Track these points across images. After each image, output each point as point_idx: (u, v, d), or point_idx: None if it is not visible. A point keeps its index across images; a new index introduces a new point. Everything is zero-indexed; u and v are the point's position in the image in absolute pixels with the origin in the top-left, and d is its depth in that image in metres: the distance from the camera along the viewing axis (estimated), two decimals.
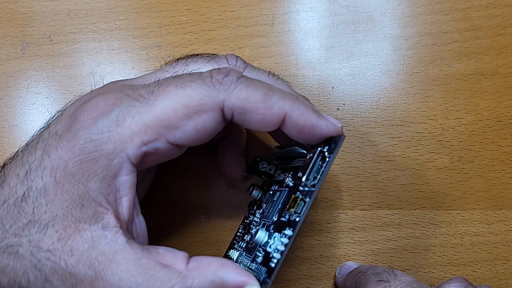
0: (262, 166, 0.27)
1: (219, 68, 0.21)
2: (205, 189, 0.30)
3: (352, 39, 0.30)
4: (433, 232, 0.29)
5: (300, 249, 0.29)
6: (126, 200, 0.21)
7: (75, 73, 0.31)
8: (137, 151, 0.20)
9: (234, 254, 0.25)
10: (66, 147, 0.20)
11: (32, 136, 0.22)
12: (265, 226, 0.23)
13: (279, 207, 0.23)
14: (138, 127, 0.20)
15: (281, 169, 0.26)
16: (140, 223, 0.22)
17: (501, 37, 0.30)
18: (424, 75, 0.30)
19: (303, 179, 0.21)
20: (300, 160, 0.24)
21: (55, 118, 0.22)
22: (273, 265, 0.20)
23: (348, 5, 0.31)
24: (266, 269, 0.21)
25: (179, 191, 0.30)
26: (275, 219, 0.23)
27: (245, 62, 0.24)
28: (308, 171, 0.21)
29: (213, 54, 0.25)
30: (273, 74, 0.24)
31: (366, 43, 0.30)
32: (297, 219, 0.20)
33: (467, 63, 0.30)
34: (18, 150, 0.22)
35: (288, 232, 0.20)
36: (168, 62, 0.25)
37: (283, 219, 0.22)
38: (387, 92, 0.30)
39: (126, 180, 0.21)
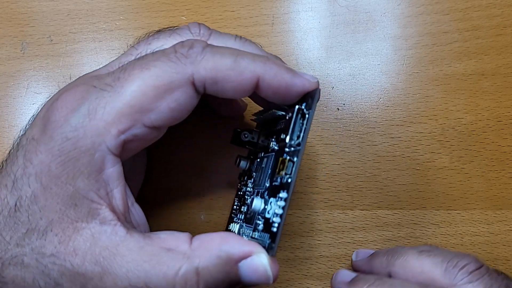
0: (244, 136, 0.26)
1: (182, 42, 0.21)
2: (205, 189, 0.30)
3: (352, 39, 0.30)
4: (433, 232, 0.29)
5: (300, 249, 0.29)
6: (117, 192, 0.21)
7: (75, 73, 0.31)
8: (116, 141, 0.20)
9: (235, 227, 0.25)
10: (45, 150, 0.19)
11: (13, 144, 0.22)
12: (259, 194, 0.23)
13: (269, 172, 0.23)
14: (111, 117, 0.19)
15: (264, 135, 0.26)
16: (137, 212, 0.22)
17: (501, 37, 0.30)
18: (424, 75, 0.30)
19: (287, 140, 0.21)
20: (281, 122, 0.23)
21: (30, 122, 0.22)
22: (275, 229, 0.20)
23: (348, 5, 0.31)
24: (269, 234, 0.20)
25: (178, 191, 0.30)
26: (267, 185, 0.22)
27: (210, 29, 0.23)
28: (290, 131, 0.20)
29: (175, 27, 0.24)
30: (240, 37, 0.23)
31: (366, 43, 0.30)
32: (289, 180, 0.20)
33: (467, 63, 0.30)
34: (2, 160, 0.21)
35: (283, 194, 0.20)
36: (130, 46, 0.24)
37: (275, 183, 0.21)
38: (387, 92, 0.30)
39: (112, 172, 0.20)
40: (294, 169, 0.20)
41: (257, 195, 0.23)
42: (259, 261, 0.20)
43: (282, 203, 0.20)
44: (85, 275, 0.19)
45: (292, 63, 0.30)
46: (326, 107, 0.30)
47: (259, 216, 0.22)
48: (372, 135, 0.30)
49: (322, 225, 0.29)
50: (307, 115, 0.20)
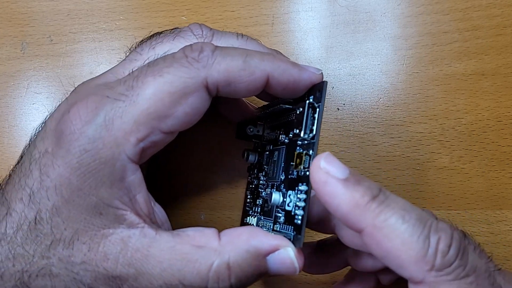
0: (250, 130, 0.26)
1: (190, 46, 0.21)
2: (205, 189, 0.30)
3: (352, 39, 0.30)
4: None
5: None
6: (140, 197, 0.21)
7: (75, 73, 0.31)
8: (135, 149, 0.20)
9: (252, 220, 0.25)
10: (63, 163, 0.19)
11: (21, 156, 0.22)
12: (274, 187, 0.23)
13: (283, 165, 0.23)
14: (129, 126, 0.20)
15: (269, 127, 0.26)
16: (159, 210, 0.23)
17: (501, 37, 0.30)
18: (424, 75, 0.30)
19: (302, 134, 0.21)
20: (290, 115, 0.23)
21: (39, 133, 0.21)
22: (299, 222, 0.20)
23: (348, 5, 0.31)
24: (292, 227, 0.21)
25: (179, 191, 0.30)
26: (282, 177, 0.23)
27: (211, 29, 0.24)
28: (304, 125, 0.21)
29: (175, 28, 0.24)
30: (242, 35, 0.24)
31: (366, 43, 0.30)
32: (308, 173, 0.20)
33: (467, 63, 0.30)
34: (10, 173, 0.21)
35: (303, 187, 0.20)
36: (131, 49, 0.24)
37: (291, 176, 0.22)
38: (387, 92, 0.30)
39: (134, 179, 0.21)
40: (311, 162, 0.20)
41: (272, 188, 0.24)
42: (286, 254, 0.20)
43: (303, 196, 0.20)
44: (120, 277, 0.20)
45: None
46: (326, 107, 0.30)
47: (279, 209, 0.22)
48: (372, 135, 0.30)
49: None
50: (317, 109, 0.21)
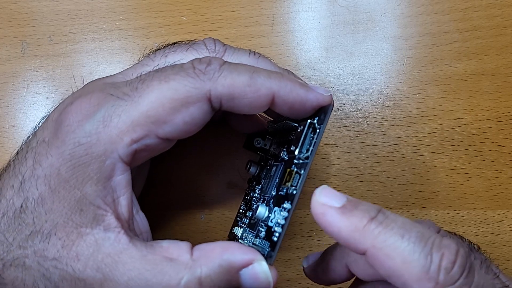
0: (257, 142, 0.26)
1: (200, 58, 0.21)
2: (205, 189, 0.30)
3: (352, 39, 0.30)
4: None
5: (300, 249, 0.29)
6: (124, 199, 0.21)
7: (75, 73, 0.31)
8: (128, 150, 0.20)
9: (239, 231, 0.25)
10: (56, 153, 0.20)
11: (21, 145, 0.22)
12: (265, 202, 0.23)
13: (277, 181, 0.23)
14: (126, 126, 0.20)
15: (276, 143, 0.26)
16: (141, 220, 0.22)
17: (501, 37, 0.30)
18: (424, 75, 0.30)
19: (296, 152, 0.21)
20: (293, 134, 0.24)
21: (41, 124, 0.22)
22: (275, 239, 0.20)
23: (348, 5, 0.31)
24: (269, 243, 0.21)
25: (178, 191, 0.30)
26: (273, 193, 0.23)
27: (224, 45, 0.24)
28: (300, 144, 0.21)
29: (191, 41, 0.24)
30: (254, 52, 0.24)
31: (366, 43, 0.30)
32: (294, 192, 0.20)
33: (467, 63, 0.30)
34: (10, 160, 0.21)
35: (287, 205, 0.20)
36: (146, 55, 0.24)
37: (281, 193, 0.22)
38: (387, 92, 0.30)
39: (121, 180, 0.20)
40: (300, 181, 0.20)
41: (263, 202, 0.24)
42: (260, 269, 0.20)
43: (285, 214, 0.20)
44: (85, 281, 0.19)
45: (292, 63, 0.30)
46: None
47: (263, 223, 0.22)
48: (372, 135, 0.30)
49: None
50: (318, 130, 0.21)
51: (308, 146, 0.21)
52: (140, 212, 0.22)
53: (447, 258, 0.18)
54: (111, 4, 0.31)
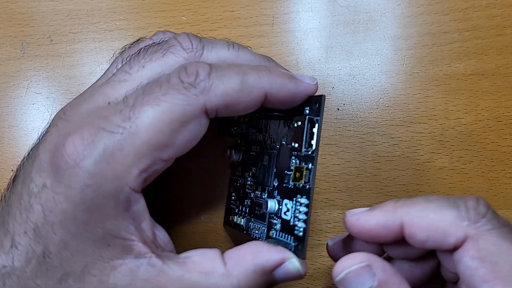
0: (234, 129, 0.26)
1: (185, 69, 0.20)
2: (205, 189, 0.30)
3: (352, 39, 0.30)
4: None
5: None
6: (145, 224, 0.21)
7: (75, 73, 0.31)
8: (138, 180, 0.20)
9: (241, 220, 0.26)
10: (65, 200, 0.19)
11: (12, 182, 0.21)
12: (266, 192, 0.24)
13: (275, 171, 0.24)
14: (130, 159, 0.19)
15: (254, 126, 0.26)
16: (161, 233, 0.22)
17: (501, 37, 0.30)
18: (424, 75, 0.30)
19: (303, 149, 0.21)
20: (279, 122, 0.24)
21: (32, 162, 0.21)
22: (300, 234, 0.21)
23: (348, 5, 0.31)
24: (292, 237, 0.22)
25: (179, 191, 0.30)
26: (275, 184, 0.23)
27: (200, 39, 0.23)
28: (304, 140, 0.21)
29: (161, 33, 0.24)
30: (233, 44, 0.23)
31: (366, 43, 0.30)
32: (308, 187, 0.21)
33: (467, 63, 0.30)
34: (6, 200, 0.21)
35: (303, 200, 0.21)
36: (117, 61, 0.23)
37: (287, 185, 0.23)
38: (387, 92, 0.30)
39: (138, 208, 0.21)
40: (311, 176, 0.21)
41: (263, 191, 0.24)
42: (292, 266, 0.21)
43: (304, 209, 0.21)
44: None
45: (292, 63, 0.30)
46: (326, 107, 0.30)
47: (274, 216, 0.23)
48: (372, 135, 0.30)
49: (322, 225, 0.29)
50: (316, 124, 0.21)
51: (310, 141, 0.21)
52: (158, 225, 0.22)
53: (471, 200, 0.20)
54: (111, 4, 0.31)
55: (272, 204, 0.23)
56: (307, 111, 0.22)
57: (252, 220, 0.25)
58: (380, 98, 0.30)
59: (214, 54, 0.22)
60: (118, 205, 0.20)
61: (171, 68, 0.21)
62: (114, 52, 0.27)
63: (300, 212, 0.21)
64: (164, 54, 0.22)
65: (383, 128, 0.30)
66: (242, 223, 0.26)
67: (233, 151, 0.27)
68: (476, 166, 0.29)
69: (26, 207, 0.20)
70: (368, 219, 0.22)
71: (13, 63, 0.31)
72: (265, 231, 0.24)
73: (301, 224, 0.21)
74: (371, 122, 0.30)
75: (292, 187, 0.22)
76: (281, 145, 0.24)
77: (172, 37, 0.23)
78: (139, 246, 0.20)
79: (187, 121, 0.20)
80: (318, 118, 0.21)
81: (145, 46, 0.23)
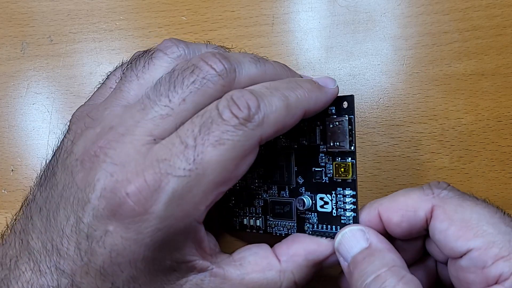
0: None
1: (234, 102, 0.20)
2: None
3: (352, 39, 0.30)
4: None
5: None
6: (205, 245, 0.22)
7: (75, 73, 0.31)
8: (204, 214, 0.21)
9: (254, 221, 0.27)
10: (134, 244, 0.20)
11: (42, 222, 0.21)
12: (287, 191, 0.26)
13: (296, 169, 0.25)
14: (199, 198, 0.20)
15: None
16: (210, 238, 0.24)
17: (501, 37, 0.30)
18: (424, 75, 0.30)
19: (347, 146, 0.23)
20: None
21: (83, 208, 0.20)
22: (351, 222, 0.24)
23: (348, 5, 0.31)
24: (339, 226, 0.24)
25: None
26: (300, 181, 0.25)
27: (229, 61, 0.22)
28: (348, 138, 0.23)
29: (173, 44, 0.23)
30: (258, 60, 0.23)
31: (366, 43, 0.30)
32: (353, 179, 0.24)
33: (467, 63, 0.30)
34: (30, 236, 0.21)
35: (349, 192, 0.24)
36: (125, 80, 0.23)
37: (319, 180, 0.24)
38: (387, 92, 0.30)
39: (201, 235, 0.22)
40: (355, 169, 0.23)
41: (291, 194, 0.26)
42: (338, 257, 0.23)
43: (352, 199, 0.24)
44: None
45: (292, 63, 0.30)
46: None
47: (308, 212, 0.25)
48: (372, 135, 0.30)
49: None
50: (353, 121, 0.23)
51: (350, 138, 0.23)
52: (208, 233, 0.23)
53: (433, 182, 0.23)
54: (111, 4, 0.31)
55: (308, 201, 0.25)
56: (333, 111, 0.24)
57: (271, 219, 0.26)
58: (380, 98, 0.30)
59: (245, 75, 0.22)
60: (186, 239, 0.21)
61: (211, 97, 0.21)
62: (119, 64, 0.26)
63: (346, 202, 0.24)
64: (203, 84, 0.21)
65: (383, 128, 0.30)
66: (258, 224, 0.26)
67: None
68: (476, 166, 0.29)
69: (87, 251, 0.20)
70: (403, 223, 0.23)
71: (13, 63, 0.31)
72: (295, 227, 0.25)
73: (349, 213, 0.24)
74: (371, 122, 0.30)
75: (328, 181, 0.24)
76: (301, 144, 0.25)
77: (200, 59, 0.22)
78: (201, 263, 0.22)
79: (247, 154, 0.21)
80: (353, 116, 0.23)
81: (177, 74, 0.22)
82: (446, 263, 0.23)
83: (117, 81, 0.23)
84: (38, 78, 0.31)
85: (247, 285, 0.22)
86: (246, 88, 0.21)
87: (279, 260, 0.23)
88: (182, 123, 0.21)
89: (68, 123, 0.23)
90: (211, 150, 0.20)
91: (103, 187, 0.20)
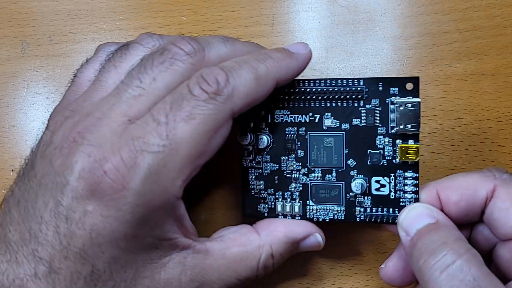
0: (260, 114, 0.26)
1: (203, 78, 0.21)
2: (205, 189, 0.30)
3: (352, 39, 0.30)
4: None
5: None
6: (186, 222, 0.23)
7: None
8: (181, 189, 0.21)
9: (291, 207, 0.26)
10: (115, 221, 0.20)
11: (19, 211, 0.21)
12: (334, 174, 0.25)
13: (346, 152, 0.25)
14: (175, 173, 0.20)
15: (289, 109, 0.25)
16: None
17: (501, 37, 0.30)
18: (424, 75, 0.30)
19: (418, 129, 0.24)
20: (348, 104, 0.25)
21: (62, 191, 0.20)
22: (417, 195, 0.24)
23: (348, 5, 0.31)
24: (397, 208, 0.25)
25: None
26: (351, 164, 0.25)
27: (198, 41, 0.23)
28: (419, 121, 0.24)
29: (148, 36, 0.24)
30: (227, 39, 0.24)
31: (366, 43, 0.30)
32: (417, 160, 0.24)
33: (467, 63, 0.30)
34: (9, 228, 0.21)
35: (411, 174, 0.24)
36: (105, 70, 0.23)
37: (375, 164, 0.25)
38: None
39: (180, 211, 0.22)
40: (419, 152, 0.24)
41: (339, 177, 0.25)
42: (315, 240, 0.25)
43: (414, 181, 0.24)
44: None
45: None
46: None
47: (361, 195, 0.25)
48: None
49: (324, 225, 0.29)
50: (419, 103, 0.24)
51: (418, 119, 0.24)
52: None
53: (491, 166, 0.23)
54: (111, 4, 0.31)
55: (364, 184, 0.25)
56: (396, 92, 0.24)
57: (312, 204, 0.26)
58: None
59: (214, 53, 0.23)
60: (165, 215, 0.21)
61: (181, 75, 0.22)
62: (84, 61, 0.26)
63: (407, 185, 0.24)
64: (172, 63, 0.22)
65: None
66: (296, 210, 0.26)
67: (260, 137, 0.26)
68: (476, 166, 0.29)
69: (66, 234, 0.20)
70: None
71: (13, 63, 0.31)
72: (344, 211, 0.25)
73: (410, 195, 0.24)
74: None
75: (387, 164, 0.25)
76: (353, 126, 0.25)
77: (169, 42, 0.23)
78: (183, 241, 0.22)
79: (219, 127, 0.21)
80: (417, 98, 0.24)
81: (147, 56, 0.23)
82: (489, 254, 0.24)
83: (95, 73, 0.24)
84: (38, 78, 0.31)
85: (229, 259, 0.23)
86: (209, 62, 0.22)
87: (259, 234, 0.24)
88: (156, 103, 0.21)
89: (46, 122, 0.24)
90: (183, 125, 0.20)
91: (82, 168, 0.20)
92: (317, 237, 0.25)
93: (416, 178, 0.24)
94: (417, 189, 0.24)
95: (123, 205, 0.20)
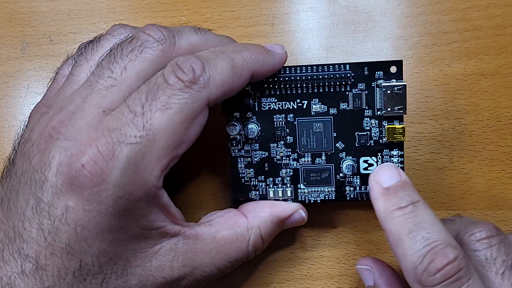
0: (250, 102, 0.26)
1: (179, 67, 0.21)
2: (205, 189, 0.30)
3: (352, 39, 0.30)
4: None
5: (300, 249, 0.29)
6: (172, 209, 0.23)
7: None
8: (161, 178, 0.21)
9: (282, 192, 0.27)
10: (98, 215, 0.20)
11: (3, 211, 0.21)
12: (323, 157, 0.26)
13: (334, 135, 0.26)
14: (153, 164, 0.20)
15: (275, 96, 0.26)
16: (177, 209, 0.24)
17: (501, 37, 0.30)
18: (424, 75, 0.30)
19: (404, 112, 0.25)
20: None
21: (41, 188, 0.20)
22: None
23: (348, 5, 0.31)
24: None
25: (178, 191, 0.30)
26: (340, 146, 0.26)
27: (169, 29, 0.23)
28: (405, 103, 0.25)
29: (120, 27, 0.24)
30: (199, 29, 0.24)
31: (366, 43, 0.30)
32: (403, 139, 0.26)
33: (467, 63, 0.30)
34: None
35: (397, 152, 0.26)
36: (78, 64, 0.23)
37: (363, 144, 0.26)
38: None
39: (164, 200, 0.22)
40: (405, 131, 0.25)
41: (329, 159, 0.26)
42: (299, 216, 0.26)
43: (401, 159, 0.26)
44: (178, 278, 0.22)
45: (292, 63, 0.30)
46: None
47: (349, 175, 0.26)
48: None
49: (322, 225, 0.29)
50: (404, 86, 0.25)
51: (404, 102, 0.25)
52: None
53: (434, 264, 0.20)
54: (111, 4, 0.31)
55: (354, 165, 0.26)
56: (381, 75, 0.25)
57: (303, 187, 0.27)
58: None
59: (185, 41, 0.23)
60: (149, 204, 0.21)
61: (152, 63, 0.22)
62: (65, 59, 0.27)
63: (393, 162, 0.26)
64: (142, 50, 0.22)
65: None
66: (289, 194, 0.27)
67: (250, 126, 0.26)
68: (476, 166, 0.29)
69: (50, 231, 0.20)
70: (375, 198, 0.23)
71: (13, 63, 0.31)
72: (334, 191, 0.27)
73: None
74: None
75: (374, 144, 0.26)
76: (341, 110, 0.26)
77: (139, 31, 0.23)
78: (172, 228, 0.22)
79: (195, 116, 0.21)
80: (405, 83, 0.25)
81: (116, 46, 0.23)
82: None
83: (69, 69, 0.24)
84: (38, 78, 0.31)
85: (219, 242, 0.23)
86: (180, 49, 0.23)
87: (246, 217, 0.25)
88: (130, 93, 0.21)
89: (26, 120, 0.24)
90: (159, 115, 0.20)
91: (59, 163, 0.20)
92: (301, 213, 0.26)
93: (401, 156, 0.26)
94: (402, 165, 0.26)
95: (105, 198, 0.20)
